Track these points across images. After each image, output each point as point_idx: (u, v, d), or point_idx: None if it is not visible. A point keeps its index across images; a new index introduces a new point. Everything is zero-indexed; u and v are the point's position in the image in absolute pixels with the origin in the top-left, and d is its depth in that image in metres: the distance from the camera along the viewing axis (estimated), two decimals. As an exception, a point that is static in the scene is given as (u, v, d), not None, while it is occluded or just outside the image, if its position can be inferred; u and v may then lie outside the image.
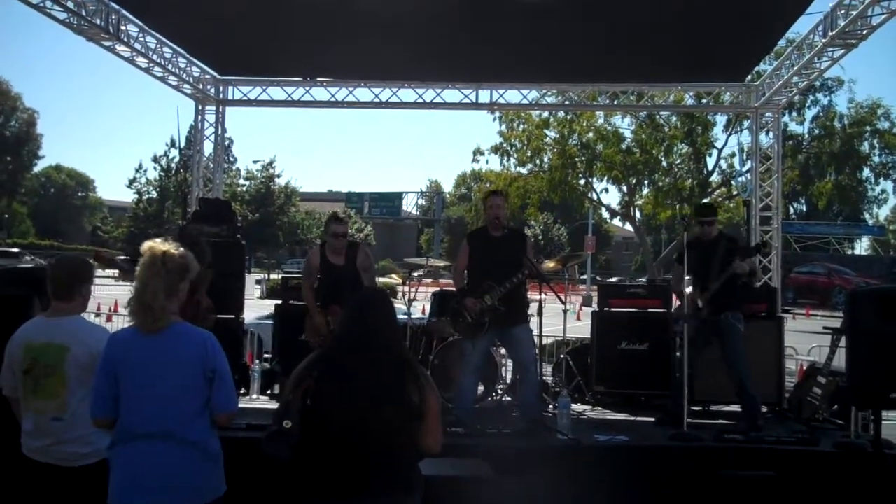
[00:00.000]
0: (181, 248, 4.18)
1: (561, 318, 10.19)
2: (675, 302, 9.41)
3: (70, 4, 9.81)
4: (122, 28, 10.92)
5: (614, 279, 59.68)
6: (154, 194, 59.04)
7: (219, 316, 7.93)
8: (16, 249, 49.95)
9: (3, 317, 5.21)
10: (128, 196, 62.91)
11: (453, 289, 9.00)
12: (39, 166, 76.71)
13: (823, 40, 10.07)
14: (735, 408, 9.07)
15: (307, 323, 8.55)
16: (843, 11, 9.48)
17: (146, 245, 4.12)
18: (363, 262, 8.52)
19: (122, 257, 8.43)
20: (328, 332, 8.05)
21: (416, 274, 11.58)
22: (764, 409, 9.14)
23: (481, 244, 8.29)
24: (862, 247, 53.63)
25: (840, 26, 9.52)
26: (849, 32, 9.63)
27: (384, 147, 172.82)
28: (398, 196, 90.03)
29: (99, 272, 5.71)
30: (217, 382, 4.01)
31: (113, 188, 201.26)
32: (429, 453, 3.92)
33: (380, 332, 3.95)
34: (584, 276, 46.80)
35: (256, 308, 14.66)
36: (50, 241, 61.93)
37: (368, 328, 3.96)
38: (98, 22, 10.31)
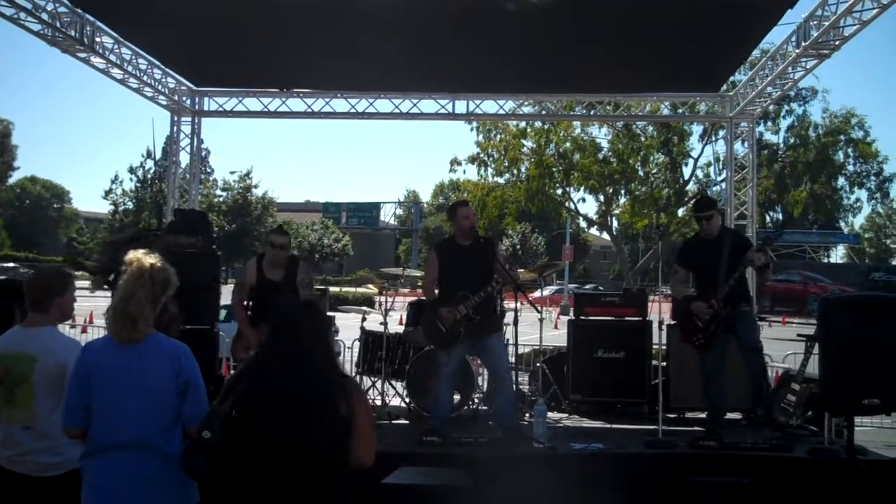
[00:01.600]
0: (165, 262, 4.19)
1: (538, 326, 10.21)
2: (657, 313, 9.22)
3: (44, 16, 9.79)
4: (97, 39, 10.91)
5: (588, 286, 59.72)
6: (130, 205, 58.85)
7: (193, 326, 7.88)
8: (11, 264, 49.33)
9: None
10: (104, 207, 62.71)
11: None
12: (14, 178, 76.27)
13: (797, 50, 10.19)
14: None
15: (235, 342, 8.41)
16: (815, 22, 9.61)
17: (132, 256, 4.12)
18: (303, 278, 8.31)
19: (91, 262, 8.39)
20: (257, 346, 7.98)
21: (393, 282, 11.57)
22: (738, 415, 9.20)
23: (451, 254, 8.26)
24: (838, 255, 54.04)
25: (813, 37, 9.64)
26: (822, 43, 9.76)
27: (362, 157, 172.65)
28: (376, 206, 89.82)
29: (79, 283, 5.66)
30: (190, 394, 4.00)
31: (89, 199, 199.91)
32: (361, 465, 3.82)
33: (309, 343, 3.86)
34: (559, 286, 46.89)
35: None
36: (26, 253, 61.36)
37: (297, 339, 3.85)
38: (72, 33, 10.29)
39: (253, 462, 3.67)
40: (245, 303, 8.32)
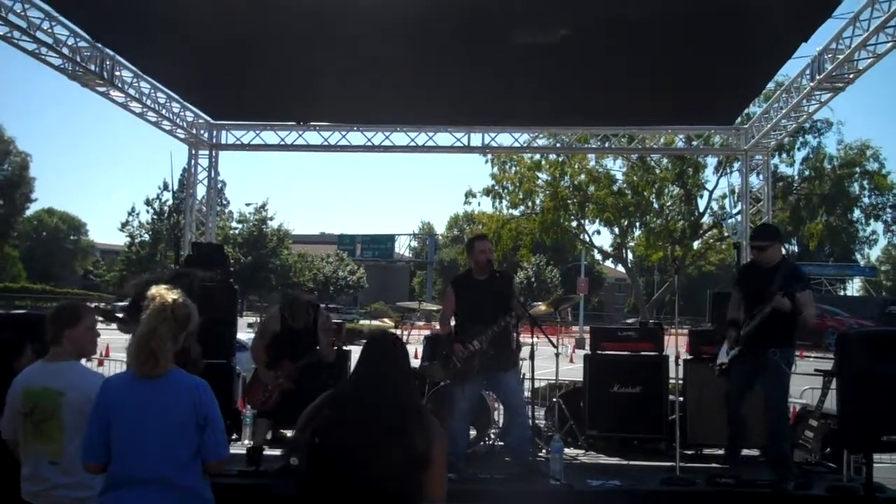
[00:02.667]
0: (187, 298, 4.21)
1: (553, 360, 10.17)
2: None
3: (65, 51, 9.89)
4: (117, 73, 11.00)
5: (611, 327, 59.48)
6: (146, 237, 59.05)
7: (209, 361, 7.89)
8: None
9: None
10: (120, 239, 62.99)
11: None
12: (32, 210, 76.80)
13: (811, 84, 10.18)
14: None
15: (249, 386, 8.52)
16: (829, 55, 9.60)
17: (154, 291, 4.14)
18: (324, 323, 8.49)
19: (117, 304, 8.43)
20: (275, 387, 8.07)
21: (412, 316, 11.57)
22: (756, 452, 9.13)
23: (467, 289, 8.29)
24: (854, 287, 53.76)
25: (827, 70, 9.64)
26: (836, 76, 9.75)
27: (376, 189, 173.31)
28: (390, 238, 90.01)
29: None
30: (209, 429, 4.00)
31: (105, 231, 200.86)
32: (434, 501, 3.84)
33: (391, 376, 3.92)
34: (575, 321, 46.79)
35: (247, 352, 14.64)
36: (42, 285, 61.69)
37: (381, 371, 3.93)
38: (92, 68, 10.38)
39: (333, 489, 3.72)
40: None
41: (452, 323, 8.34)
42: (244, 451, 8.27)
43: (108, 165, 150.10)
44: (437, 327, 9.73)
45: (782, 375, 7.64)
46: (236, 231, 61.34)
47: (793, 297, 7.42)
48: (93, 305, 8.39)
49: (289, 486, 3.78)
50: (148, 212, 58.32)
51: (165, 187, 55.92)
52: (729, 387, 8.00)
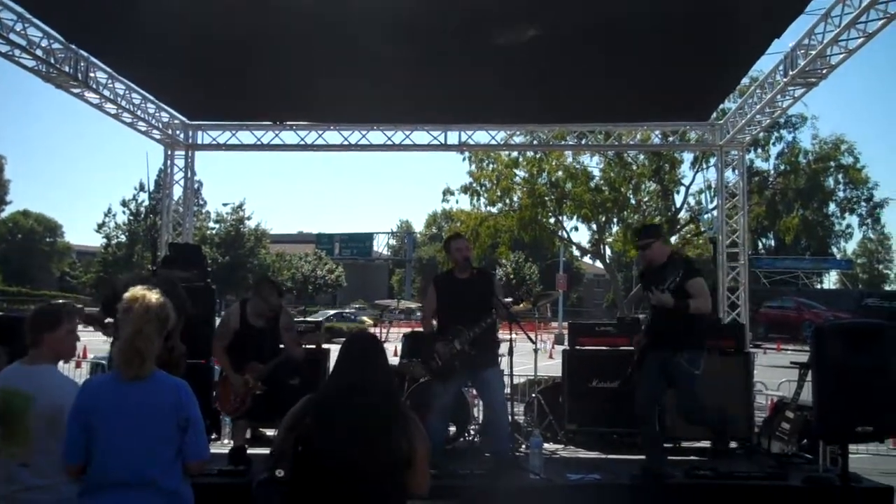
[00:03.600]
0: (165, 297, 4.23)
1: (532, 356, 10.21)
2: None
3: (39, 52, 9.86)
4: (91, 75, 10.97)
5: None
6: (123, 239, 58.79)
7: (189, 361, 7.88)
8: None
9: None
10: (96, 241, 62.60)
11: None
12: (6, 212, 76.12)
13: (785, 79, 10.27)
14: (706, 443, 9.14)
15: (219, 389, 8.30)
16: (802, 51, 9.70)
17: (135, 292, 4.14)
18: (286, 322, 8.36)
19: (92, 310, 8.30)
20: (245, 391, 7.90)
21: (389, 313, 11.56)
22: (734, 444, 9.20)
23: (448, 287, 8.30)
24: (830, 280, 54.09)
25: (800, 66, 9.74)
26: (809, 71, 9.86)
27: (354, 188, 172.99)
28: (368, 237, 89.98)
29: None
30: (190, 430, 4.01)
31: (81, 233, 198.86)
32: (417, 496, 3.94)
33: (372, 378, 3.97)
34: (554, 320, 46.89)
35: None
36: (18, 288, 61.16)
37: (361, 374, 3.97)
38: (67, 69, 10.35)
39: (319, 493, 3.77)
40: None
41: (434, 322, 8.35)
42: (224, 451, 8.24)
43: (83, 167, 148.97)
44: (415, 324, 9.74)
45: (690, 379, 7.63)
46: (213, 231, 61.12)
47: (680, 291, 7.48)
48: (80, 307, 8.31)
49: (272, 494, 3.81)
50: (124, 213, 58.18)
51: (141, 188, 55.81)
52: (640, 385, 8.01)
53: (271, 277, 8.29)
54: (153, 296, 4.14)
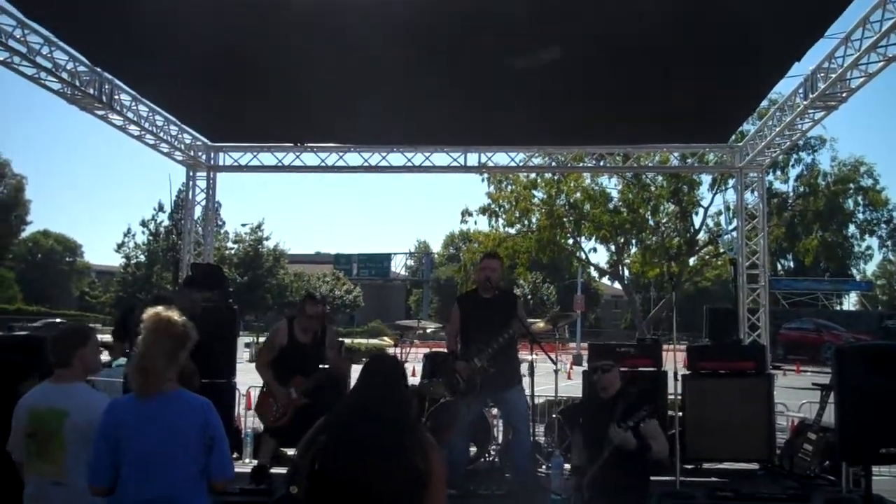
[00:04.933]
0: (183, 317, 4.24)
1: (552, 377, 10.21)
2: None
3: (64, 75, 9.98)
4: (115, 97, 11.09)
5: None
6: (142, 258, 59.00)
7: (210, 380, 7.94)
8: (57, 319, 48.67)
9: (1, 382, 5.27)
10: (116, 261, 62.87)
11: (444, 350, 9.04)
12: (27, 231, 76.66)
13: (804, 102, 10.26)
14: (727, 465, 9.11)
15: (260, 402, 8.47)
16: (822, 74, 9.69)
17: (150, 311, 4.18)
18: (331, 340, 8.55)
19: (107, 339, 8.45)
20: (288, 403, 8.05)
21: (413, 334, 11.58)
22: (755, 465, 9.18)
23: (472, 307, 8.34)
24: (850, 302, 53.80)
25: (820, 89, 9.73)
26: (829, 95, 9.84)
27: (372, 208, 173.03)
28: (387, 257, 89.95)
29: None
30: (216, 449, 4.04)
31: (101, 253, 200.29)
32: None
33: (389, 398, 3.95)
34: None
35: (244, 372, 14.73)
36: (37, 307, 61.47)
37: (378, 394, 3.96)
38: (91, 91, 10.46)
39: None
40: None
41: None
42: (246, 471, 8.30)
43: (103, 187, 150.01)
44: (434, 345, 9.76)
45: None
46: (232, 251, 61.23)
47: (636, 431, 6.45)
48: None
49: None
50: (143, 233, 58.38)
51: (161, 208, 56.02)
52: None
53: (311, 292, 8.51)
54: (166, 314, 4.17)
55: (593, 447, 6.64)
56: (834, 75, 9.41)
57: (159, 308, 4.22)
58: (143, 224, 58.09)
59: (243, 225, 63.72)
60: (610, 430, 6.34)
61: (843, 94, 9.80)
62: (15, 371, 5.56)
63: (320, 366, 8.37)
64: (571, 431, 7.07)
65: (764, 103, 15.18)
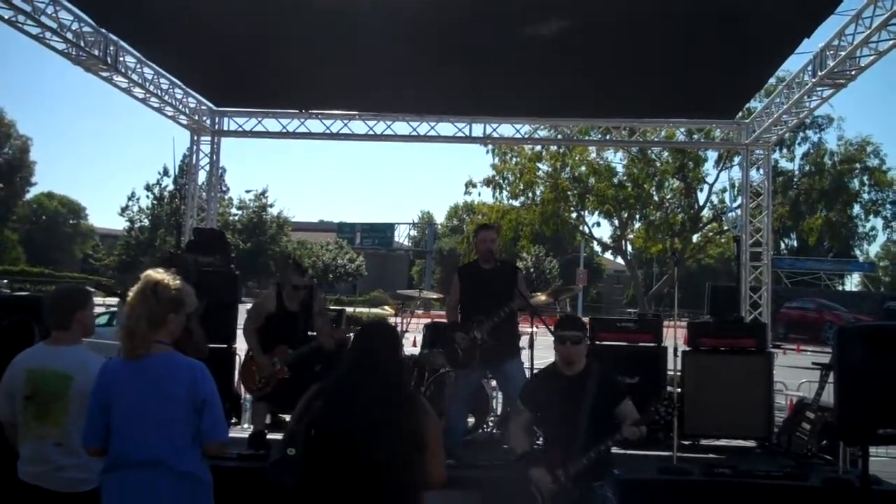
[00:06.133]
0: (178, 281, 4.21)
1: (552, 350, 10.19)
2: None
3: (69, 35, 9.92)
4: (121, 59, 11.05)
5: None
6: (146, 222, 59.08)
7: (211, 345, 7.92)
8: None
9: (5, 343, 5.26)
10: (120, 224, 62.97)
11: (445, 321, 9.02)
12: (31, 193, 76.62)
13: (813, 80, 10.20)
14: (724, 442, 9.12)
15: (243, 370, 8.29)
16: (832, 52, 9.62)
17: (144, 273, 4.16)
18: (320, 306, 8.43)
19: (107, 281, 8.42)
20: (271, 373, 7.92)
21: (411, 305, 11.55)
22: (753, 443, 9.18)
23: (472, 278, 8.30)
24: (853, 282, 53.79)
25: (829, 66, 9.66)
26: (838, 73, 9.78)
27: (376, 177, 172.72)
28: (390, 227, 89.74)
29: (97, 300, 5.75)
30: (206, 412, 4.02)
31: (105, 216, 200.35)
32: (434, 484, 3.92)
33: (384, 363, 3.97)
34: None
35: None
36: (41, 269, 61.52)
37: (373, 359, 3.98)
38: (97, 53, 10.42)
39: (331, 478, 3.77)
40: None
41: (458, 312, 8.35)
42: (244, 436, 8.29)
43: (108, 150, 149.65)
44: (435, 315, 9.74)
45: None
46: (236, 217, 61.33)
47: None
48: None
49: (286, 475, 3.81)
50: (148, 197, 58.46)
51: (165, 173, 56.16)
52: None
53: (295, 258, 8.23)
54: (156, 276, 4.15)
55: (556, 430, 6.09)
56: (844, 53, 9.35)
57: (150, 271, 4.19)
58: (148, 188, 58.25)
59: (248, 191, 63.85)
60: (624, 430, 5.96)
61: (853, 72, 9.73)
62: (22, 331, 5.55)
63: (308, 333, 8.28)
64: (521, 410, 6.25)
65: (772, 80, 15.08)
